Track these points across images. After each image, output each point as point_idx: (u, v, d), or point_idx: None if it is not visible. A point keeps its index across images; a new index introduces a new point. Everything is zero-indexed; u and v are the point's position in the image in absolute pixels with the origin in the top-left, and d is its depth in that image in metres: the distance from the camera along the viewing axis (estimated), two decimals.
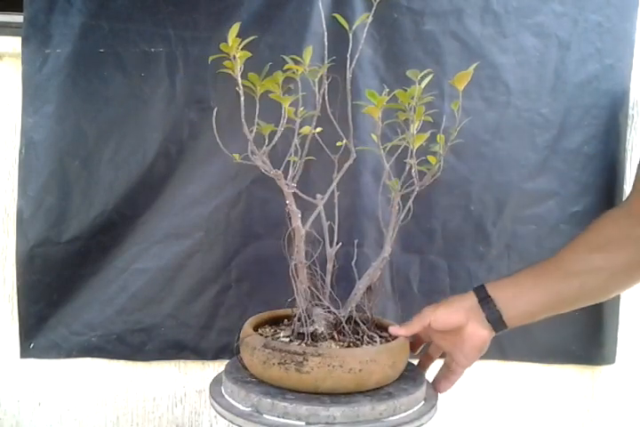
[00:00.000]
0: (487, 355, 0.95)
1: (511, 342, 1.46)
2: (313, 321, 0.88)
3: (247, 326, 0.92)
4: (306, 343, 0.86)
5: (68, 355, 1.40)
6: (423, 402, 0.90)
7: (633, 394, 1.57)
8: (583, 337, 1.48)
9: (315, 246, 0.89)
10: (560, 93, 1.43)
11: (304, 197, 0.92)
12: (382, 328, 0.96)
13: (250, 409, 0.83)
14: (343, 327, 0.89)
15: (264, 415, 0.81)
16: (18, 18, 1.34)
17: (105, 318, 1.39)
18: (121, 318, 1.39)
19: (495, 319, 0.90)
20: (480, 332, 0.90)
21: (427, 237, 1.43)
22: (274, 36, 1.34)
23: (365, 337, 0.89)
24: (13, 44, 1.34)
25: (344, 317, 0.90)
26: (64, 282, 1.37)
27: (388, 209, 0.93)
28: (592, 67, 1.44)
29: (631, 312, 1.54)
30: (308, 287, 0.90)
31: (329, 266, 0.93)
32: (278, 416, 0.81)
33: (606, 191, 1.47)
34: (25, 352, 1.40)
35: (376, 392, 0.86)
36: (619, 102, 1.47)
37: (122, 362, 1.44)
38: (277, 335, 0.92)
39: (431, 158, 0.90)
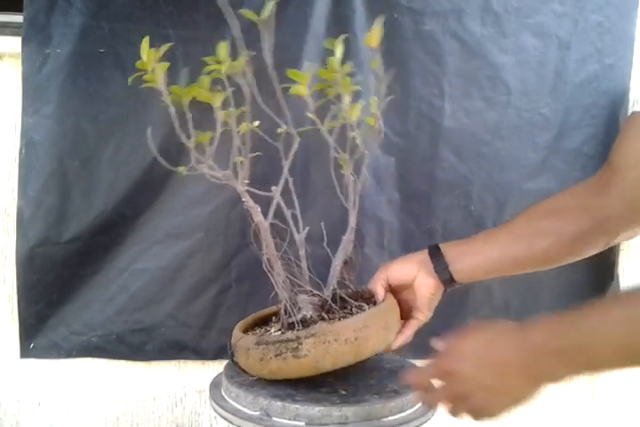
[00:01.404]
0: None
1: None
2: (300, 308, 0.87)
3: (236, 331, 0.92)
4: (298, 331, 0.85)
5: (68, 355, 1.40)
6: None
7: (633, 394, 1.57)
8: None
9: (284, 237, 0.90)
10: (560, 93, 1.43)
11: (258, 192, 0.95)
12: (369, 298, 0.95)
13: (259, 413, 0.83)
14: (330, 306, 0.89)
15: (274, 418, 0.81)
16: (18, 18, 1.34)
17: (105, 318, 1.39)
18: (121, 318, 1.39)
19: (442, 270, 0.92)
20: (427, 280, 0.92)
21: (427, 237, 1.43)
22: (274, 36, 1.34)
23: (354, 309, 0.89)
24: (13, 44, 1.34)
25: (328, 296, 0.90)
26: (64, 282, 1.37)
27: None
28: (592, 67, 1.44)
29: None
30: (287, 277, 0.89)
31: (301, 252, 0.92)
32: (289, 419, 0.81)
33: None
34: (25, 352, 1.40)
35: (382, 390, 0.87)
36: (618, 102, 1.47)
37: (122, 362, 1.44)
38: (268, 332, 0.91)
39: (369, 120, 0.93)
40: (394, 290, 0.94)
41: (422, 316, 0.95)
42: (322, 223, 1.09)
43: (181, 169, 0.91)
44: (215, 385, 0.94)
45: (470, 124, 1.41)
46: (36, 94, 1.32)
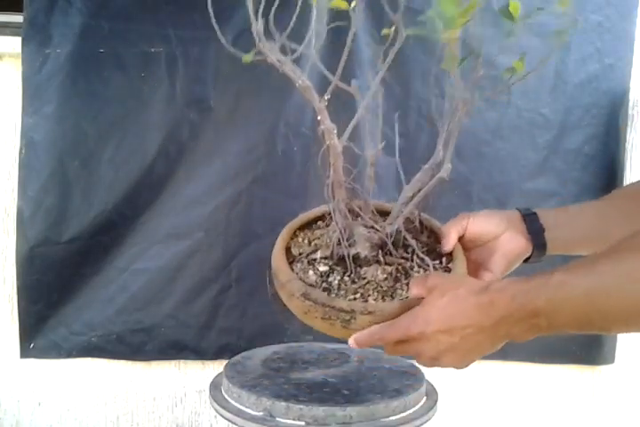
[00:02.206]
0: (487, 356, 0.95)
1: (511, 343, 1.46)
2: (354, 242, 0.74)
3: (278, 252, 0.77)
4: (349, 276, 0.74)
5: (68, 355, 1.40)
6: (426, 397, 0.92)
7: (633, 394, 1.57)
8: (583, 337, 1.48)
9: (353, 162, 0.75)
10: (560, 93, 1.43)
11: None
12: (434, 242, 0.81)
13: (262, 413, 0.83)
14: (389, 248, 0.75)
15: (277, 419, 0.81)
16: (18, 18, 1.34)
17: (105, 318, 1.39)
18: (121, 318, 1.39)
19: (537, 233, 0.79)
20: (517, 239, 0.79)
21: None
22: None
23: (416, 259, 0.75)
24: (13, 44, 1.34)
25: (390, 235, 0.75)
26: (64, 282, 1.37)
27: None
28: (592, 66, 1.44)
29: None
30: (347, 206, 0.75)
31: (369, 171, 0.77)
32: (293, 419, 0.81)
33: (606, 191, 1.46)
34: (25, 352, 1.40)
35: (384, 390, 0.88)
36: (619, 102, 1.47)
37: (122, 362, 1.44)
38: (314, 256, 0.76)
39: None
40: (464, 246, 0.79)
41: (494, 273, 0.80)
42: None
43: (246, 58, 0.74)
44: (215, 386, 0.94)
45: (470, 124, 1.41)
46: (35, 94, 1.32)
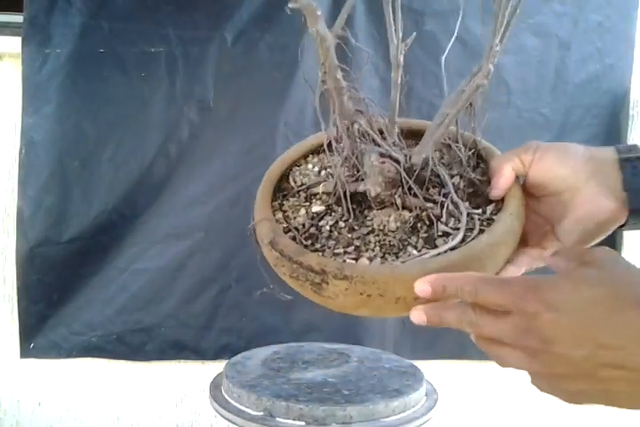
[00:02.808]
0: (486, 355, 0.94)
1: None
2: (365, 175, 0.54)
3: (267, 180, 0.61)
4: (346, 221, 0.55)
5: (68, 355, 1.40)
6: (426, 397, 0.92)
7: None
8: None
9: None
10: (561, 93, 1.43)
11: None
12: (481, 181, 0.57)
13: (262, 413, 0.83)
14: (410, 188, 0.54)
15: (277, 419, 0.81)
16: (18, 18, 1.34)
17: (105, 318, 1.39)
18: (121, 318, 1.39)
19: (638, 186, 0.52)
20: (603, 198, 0.53)
21: None
22: (274, 36, 1.34)
23: (449, 204, 0.53)
24: (13, 44, 1.33)
25: (415, 166, 0.54)
26: (64, 282, 1.37)
27: None
28: (592, 66, 1.44)
29: None
30: (352, 125, 0.54)
31: (394, 74, 0.57)
32: (293, 419, 0.81)
33: None
34: (25, 352, 1.40)
35: (384, 390, 0.87)
36: (619, 102, 1.47)
37: (122, 362, 1.44)
38: (316, 190, 0.59)
39: None
40: (527, 192, 0.56)
41: (565, 241, 0.56)
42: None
43: None
44: (215, 386, 0.94)
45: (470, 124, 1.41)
46: (35, 94, 1.32)
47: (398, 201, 0.54)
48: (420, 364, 1.06)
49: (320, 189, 0.58)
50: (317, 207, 0.57)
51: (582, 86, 1.44)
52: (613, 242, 1.50)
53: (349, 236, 0.54)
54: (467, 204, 0.54)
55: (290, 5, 0.45)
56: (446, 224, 0.52)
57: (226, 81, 1.35)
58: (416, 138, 0.59)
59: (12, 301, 1.41)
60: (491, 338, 0.45)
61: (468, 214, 0.52)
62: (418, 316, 0.47)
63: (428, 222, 0.53)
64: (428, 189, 0.55)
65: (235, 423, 0.84)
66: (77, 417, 1.47)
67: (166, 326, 1.40)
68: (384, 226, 0.54)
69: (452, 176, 0.56)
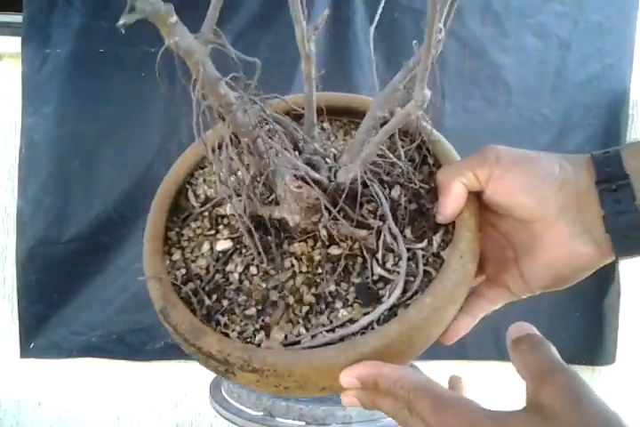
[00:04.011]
0: (486, 355, 0.94)
1: None
2: (280, 198, 0.43)
3: (156, 218, 0.47)
4: (259, 264, 0.43)
5: (68, 355, 1.40)
6: None
7: (633, 394, 1.57)
8: (583, 337, 1.48)
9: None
10: (561, 93, 1.43)
11: None
12: (425, 196, 0.45)
13: (262, 413, 0.83)
14: (340, 206, 0.43)
15: (277, 419, 0.81)
16: (18, 18, 1.34)
17: (105, 318, 1.39)
18: (121, 317, 1.39)
19: (622, 226, 0.40)
20: (577, 245, 0.42)
21: None
22: (274, 36, 1.34)
23: (386, 233, 0.42)
24: (13, 44, 1.33)
25: (342, 185, 0.42)
26: (64, 282, 1.37)
27: None
28: (592, 66, 1.44)
29: (631, 313, 1.53)
30: (253, 142, 0.41)
31: (305, 66, 0.44)
32: (293, 419, 0.81)
33: None
34: (25, 352, 1.39)
35: None
36: (619, 102, 1.47)
37: (122, 362, 1.44)
38: (222, 210, 0.46)
39: None
40: (484, 210, 0.45)
41: (521, 291, 0.46)
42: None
43: None
44: (215, 386, 0.94)
45: (471, 124, 1.41)
46: (35, 94, 1.32)
47: (323, 232, 0.43)
48: (419, 364, 1.06)
49: (227, 210, 0.45)
50: (224, 243, 0.44)
51: (582, 86, 1.44)
52: (613, 265, 1.50)
53: (263, 286, 0.42)
54: (409, 230, 0.43)
55: (122, 21, 0.32)
56: (383, 264, 0.42)
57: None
58: (345, 116, 0.50)
59: (12, 301, 1.41)
60: None
61: (409, 250, 0.42)
62: (349, 401, 0.40)
63: (361, 259, 0.43)
64: (361, 206, 0.43)
65: (235, 423, 0.84)
66: (77, 417, 1.47)
67: None
68: (307, 267, 0.43)
69: (390, 186, 0.44)
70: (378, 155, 0.44)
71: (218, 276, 0.43)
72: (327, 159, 0.44)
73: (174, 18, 0.37)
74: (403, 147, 0.45)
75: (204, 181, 0.48)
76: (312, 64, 0.43)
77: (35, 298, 1.37)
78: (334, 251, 0.43)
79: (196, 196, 0.47)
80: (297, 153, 0.43)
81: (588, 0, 1.42)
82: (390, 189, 0.44)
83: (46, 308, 1.37)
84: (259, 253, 0.43)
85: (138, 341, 1.40)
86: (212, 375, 1.07)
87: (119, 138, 1.35)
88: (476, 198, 0.44)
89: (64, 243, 1.36)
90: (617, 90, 1.46)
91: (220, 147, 0.42)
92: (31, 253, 1.35)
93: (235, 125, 0.41)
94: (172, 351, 1.42)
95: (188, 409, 1.49)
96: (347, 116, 0.50)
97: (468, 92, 1.41)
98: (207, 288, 0.42)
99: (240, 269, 0.43)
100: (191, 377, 1.47)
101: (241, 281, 0.43)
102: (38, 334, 1.39)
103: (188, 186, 0.48)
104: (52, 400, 1.47)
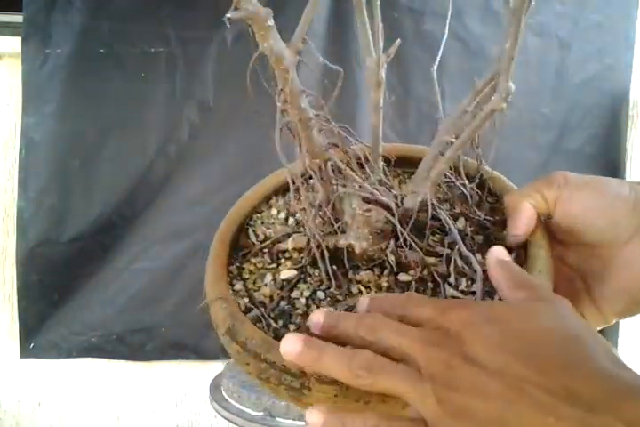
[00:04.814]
0: None
1: None
2: (345, 225, 0.43)
3: (218, 239, 0.48)
4: (327, 290, 0.43)
5: (68, 355, 1.40)
6: None
7: None
8: None
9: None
10: (561, 93, 1.43)
11: None
12: (495, 225, 0.45)
13: (262, 413, 0.83)
14: (405, 239, 0.42)
15: (277, 419, 0.81)
16: (18, 18, 1.34)
17: (105, 318, 1.39)
18: (121, 318, 1.39)
19: None
20: None
21: None
22: None
23: (456, 258, 0.42)
24: (13, 44, 1.33)
25: (410, 212, 0.42)
26: (64, 282, 1.37)
27: None
28: (593, 66, 1.44)
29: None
30: (325, 164, 0.42)
31: (374, 94, 0.45)
32: (294, 419, 0.81)
33: None
34: (25, 352, 1.39)
35: None
36: (619, 102, 1.47)
37: (122, 362, 1.44)
38: (284, 246, 0.46)
39: None
40: (555, 237, 0.44)
41: (596, 322, 0.45)
42: None
43: None
44: (215, 386, 0.94)
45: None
46: (36, 94, 1.32)
47: (391, 258, 0.42)
48: None
49: (289, 244, 0.45)
50: (287, 272, 0.44)
51: (582, 86, 1.44)
52: None
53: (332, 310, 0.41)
54: (479, 256, 0.41)
55: (228, 15, 0.33)
56: (456, 287, 0.41)
57: (226, 81, 1.35)
58: (407, 167, 0.49)
59: (12, 301, 1.41)
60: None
61: (484, 272, 0.39)
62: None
63: (432, 285, 0.41)
64: (427, 239, 0.43)
65: (235, 423, 0.84)
66: (77, 417, 1.47)
67: (166, 326, 1.40)
68: (377, 292, 0.42)
69: (454, 218, 0.44)
70: (441, 185, 0.45)
71: (283, 303, 0.42)
72: (392, 190, 0.44)
73: (271, 22, 0.37)
74: (462, 185, 0.46)
75: (262, 223, 0.49)
76: (381, 92, 0.43)
77: (35, 298, 1.37)
78: (403, 277, 0.42)
79: (256, 235, 0.48)
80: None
81: (588, 0, 1.42)
82: (455, 221, 0.44)
83: (46, 308, 1.37)
84: (328, 279, 0.42)
85: (138, 341, 1.40)
86: (212, 375, 1.07)
87: (119, 138, 1.35)
88: (543, 226, 0.43)
89: (64, 243, 1.36)
90: (617, 90, 1.46)
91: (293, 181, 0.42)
92: (31, 253, 1.35)
93: (309, 145, 0.41)
94: (171, 351, 1.42)
95: (188, 409, 1.49)
96: (402, 167, 0.50)
97: (469, 92, 1.40)
98: (272, 315, 0.41)
99: (307, 293, 0.43)
100: (191, 377, 1.47)
101: (308, 306, 0.42)
102: (38, 334, 1.39)
103: (247, 226, 0.49)
104: (51, 400, 1.47)
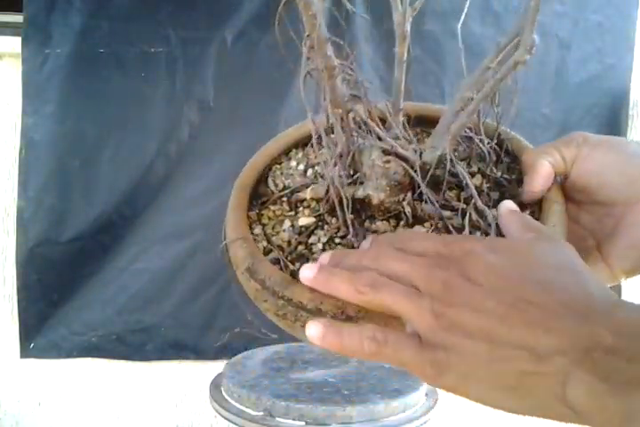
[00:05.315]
0: None
1: None
2: (363, 176, 0.43)
3: (239, 186, 0.49)
4: (344, 237, 0.43)
5: (68, 355, 1.40)
6: (426, 397, 0.92)
7: None
8: None
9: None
10: (561, 93, 1.43)
11: None
12: (519, 167, 0.46)
13: (262, 413, 0.83)
14: (421, 192, 0.42)
15: (277, 419, 0.81)
16: (18, 18, 1.34)
17: (105, 318, 1.39)
18: (121, 317, 1.39)
19: None
20: None
21: None
22: (274, 36, 1.34)
23: (472, 211, 0.42)
24: (13, 44, 1.33)
25: (429, 166, 0.43)
26: (64, 282, 1.37)
27: None
28: (592, 66, 1.44)
29: None
30: (346, 114, 0.43)
31: (399, 48, 0.46)
32: (293, 419, 0.81)
33: None
34: (25, 352, 1.39)
35: (384, 389, 0.87)
36: (619, 102, 1.47)
37: (122, 362, 1.44)
38: (303, 195, 0.47)
39: None
40: (569, 196, 0.44)
41: (606, 279, 0.45)
42: None
43: None
44: (215, 386, 0.94)
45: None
46: (36, 94, 1.32)
47: (407, 209, 0.42)
48: None
49: (307, 194, 0.46)
50: (305, 219, 0.45)
51: (582, 86, 1.44)
52: None
53: None
54: (493, 211, 0.42)
55: None
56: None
57: (226, 81, 1.35)
58: (425, 126, 0.48)
59: (12, 301, 1.41)
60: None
61: (497, 226, 0.40)
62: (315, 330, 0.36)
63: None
64: (443, 193, 0.43)
65: (235, 423, 0.84)
66: (77, 417, 1.47)
67: (166, 326, 1.40)
68: None
69: (471, 175, 0.44)
70: (460, 142, 0.45)
71: (300, 247, 0.43)
72: (411, 144, 0.44)
73: None
74: (480, 141, 0.46)
75: (282, 173, 0.49)
76: (406, 46, 0.45)
77: (35, 298, 1.37)
78: (418, 229, 0.42)
79: (275, 184, 0.49)
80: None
81: (588, 0, 1.42)
82: (472, 178, 0.44)
83: (46, 308, 1.38)
84: (345, 226, 0.42)
85: (138, 341, 1.40)
86: (212, 375, 1.07)
87: (119, 138, 1.35)
88: (559, 186, 0.44)
89: (64, 243, 1.36)
90: (617, 90, 1.46)
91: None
92: (31, 253, 1.35)
93: (333, 94, 0.41)
94: (171, 351, 1.42)
95: (188, 409, 1.49)
96: (420, 126, 0.50)
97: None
98: (290, 258, 0.42)
99: (324, 239, 0.43)
100: (191, 377, 1.47)
101: (325, 251, 0.42)
102: (38, 334, 1.39)
103: (267, 174, 0.50)
104: (51, 400, 1.47)
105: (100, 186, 1.36)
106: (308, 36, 0.39)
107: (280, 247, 0.43)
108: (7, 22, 1.38)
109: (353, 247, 0.42)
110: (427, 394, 0.94)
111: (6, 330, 1.44)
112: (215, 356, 1.42)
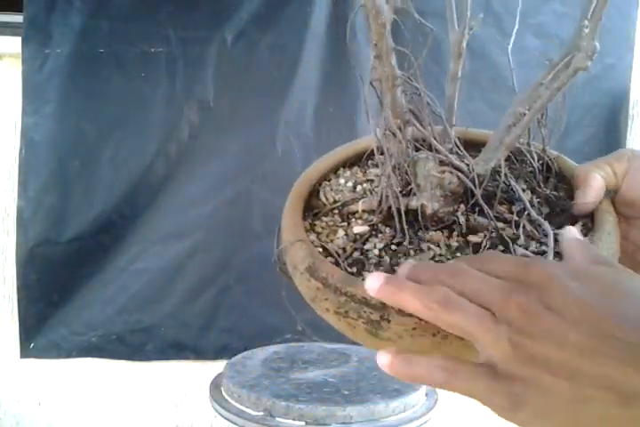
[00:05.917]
0: None
1: None
2: (418, 188, 0.44)
3: (295, 196, 0.50)
4: (399, 244, 0.44)
5: (68, 355, 1.40)
6: (426, 397, 0.92)
7: None
8: None
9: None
10: (561, 93, 1.43)
11: None
12: (570, 190, 0.47)
13: (262, 413, 0.83)
14: (474, 204, 0.44)
15: (277, 419, 0.81)
16: (18, 18, 1.34)
17: (105, 318, 1.39)
18: (121, 317, 1.39)
19: None
20: None
21: None
22: (274, 36, 1.34)
23: (525, 222, 0.43)
24: (13, 44, 1.33)
25: (482, 178, 0.44)
26: (64, 282, 1.37)
27: None
28: (592, 66, 1.43)
29: None
30: (404, 126, 0.44)
31: (453, 65, 0.49)
32: (293, 419, 0.81)
33: None
34: (25, 352, 1.39)
35: (384, 390, 0.87)
36: (619, 102, 1.47)
37: (122, 362, 1.44)
38: (354, 208, 0.48)
39: None
40: (619, 211, 0.45)
41: None
42: None
43: None
44: (215, 386, 0.94)
45: (472, 125, 1.41)
46: (36, 94, 1.32)
47: (462, 219, 0.43)
48: None
49: (359, 206, 0.47)
50: (360, 227, 0.45)
51: (582, 86, 1.44)
52: None
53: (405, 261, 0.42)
54: (547, 223, 0.42)
55: None
56: (526, 248, 0.41)
57: (226, 81, 1.35)
58: (474, 149, 0.48)
59: (12, 301, 1.41)
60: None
61: (555, 235, 0.40)
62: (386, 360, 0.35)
63: (502, 247, 0.42)
64: (495, 205, 0.44)
65: (235, 423, 0.84)
66: (77, 417, 1.47)
67: (166, 326, 1.40)
68: (447, 250, 0.43)
69: (522, 191, 0.45)
70: (511, 157, 0.46)
71: (356, 253, 0.44)
72: (463, 159, 0.45)
73: None
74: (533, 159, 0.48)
75: (331, 189, 0.51)
76: (461, 63, 0.47)
77: (35, 298, 1.37)
78: (473, 238, 0.43)
79: (326, 198, 0.50)
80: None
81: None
82: (523, 192, 0.45)
83: (46, 308, 1.38)
84: (401, 231, 0.43)
85: (138, 341, 1.40)
86: (212, 375, 1.07)
87: (119, 138, 1.35)
88: (610, 200, 0.45)
89: (64, 243, 1.36)
90: (617, 90, 1.46)
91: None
92: (31, 253, 1.35)
93: (393, 103, 0.42)
94: (171, 351, 1.42)
95: (188, 409, 1.49)
96: (467, 150, 0.51)
97: (469, 93, 1.41)
98: (346, 263, 0.43)
99: (380, 246, 0.44)
100: (191, 377, 1.47)
101: (381, 257, 0.43)
102: (38, 334, 1.39)
103: (317, 189, 0.51)
104: (51, 400, 1.47)
105: (99, 186, 1.36)
106: (375, 45, 0.41)
107: (336, 253, 0.44)
108: (7, 22, 1.38)
109: (408, 255, 0.43)
110: (427, 394, 0.94)
111: (6, 330, 1.44)
112: (215, 356, 1.42)
